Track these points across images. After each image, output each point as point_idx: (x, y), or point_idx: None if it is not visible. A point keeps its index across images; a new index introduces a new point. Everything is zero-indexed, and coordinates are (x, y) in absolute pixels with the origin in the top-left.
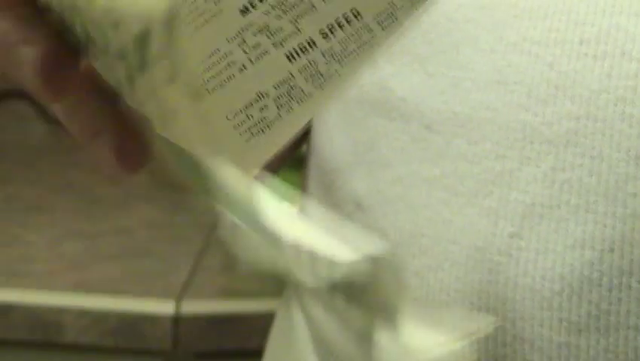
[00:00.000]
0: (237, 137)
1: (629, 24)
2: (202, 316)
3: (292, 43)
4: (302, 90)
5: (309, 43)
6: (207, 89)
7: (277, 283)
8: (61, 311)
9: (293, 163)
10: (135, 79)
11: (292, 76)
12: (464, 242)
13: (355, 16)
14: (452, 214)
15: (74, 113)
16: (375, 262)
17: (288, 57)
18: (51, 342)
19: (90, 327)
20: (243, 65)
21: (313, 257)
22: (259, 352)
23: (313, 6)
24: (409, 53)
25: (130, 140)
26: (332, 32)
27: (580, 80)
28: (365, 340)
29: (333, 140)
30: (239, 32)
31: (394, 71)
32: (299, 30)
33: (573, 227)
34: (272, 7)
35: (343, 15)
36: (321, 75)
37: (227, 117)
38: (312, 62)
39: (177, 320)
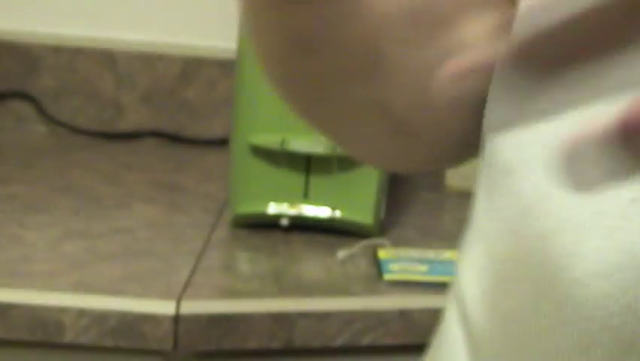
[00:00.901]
0: None
1: None
2: (202, 316)
3: None
4: None
5: None
6: None
7: (277, 284)
8: (61, 311)
9: None
10: None
11: None
12: (585, 206)
13: None
14: None
15: None
16: None
17: None
18: (51, 342)
19: (90, 327)
20: None
21: None
22: (259, 352)
23: None
24: None
25: None
26: None
27: None
28: None
29: (492, 105)
30: None
31: None
32: None
33: None
34: None
35: None
36: None
37: None
38: None
39: (177, 320)
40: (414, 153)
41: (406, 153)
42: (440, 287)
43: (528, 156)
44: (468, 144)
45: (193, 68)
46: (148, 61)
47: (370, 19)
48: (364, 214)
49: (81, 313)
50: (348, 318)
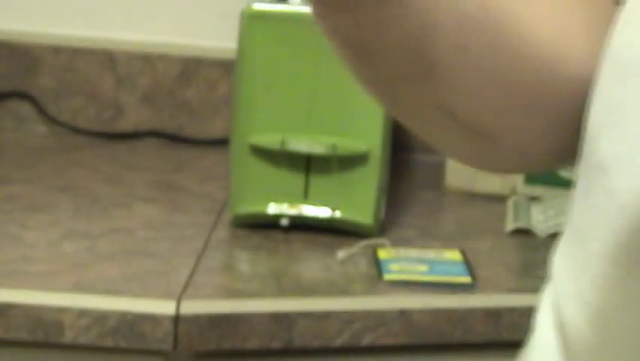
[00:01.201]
0: None
1: None
2: (202, 316)
3: None
4: None
5: None
6: None
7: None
8: (61, 311)
9: None
10: None
11: None
12: None
13: None
14: None
15: None
16: None
17: None
18: (51, 342)
19: (90, 327)
20: None
21: None
22: (259, 352)
23: None
24: None
25: None
26: None
27: None
28: None
29: (591, 106)
30: None
31: None
32: None
33: None
34: None
35: None
36: None
37: None
38: None
39: (177, 320)
40: (499, 156)
41: (490, 155)
42: (440, 287)
43: (623, 153)
44: (562, 147)
45: (193, 68)
46: (148, 61)
47: (414, 25)
48: (364, 214)
49: (81, 313)
50: (348, 318)
